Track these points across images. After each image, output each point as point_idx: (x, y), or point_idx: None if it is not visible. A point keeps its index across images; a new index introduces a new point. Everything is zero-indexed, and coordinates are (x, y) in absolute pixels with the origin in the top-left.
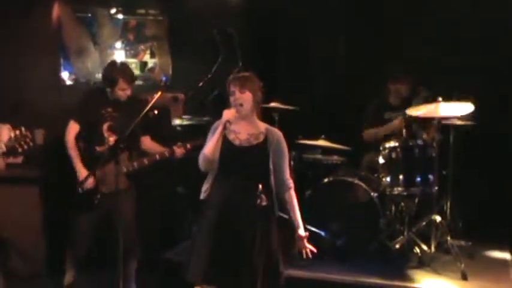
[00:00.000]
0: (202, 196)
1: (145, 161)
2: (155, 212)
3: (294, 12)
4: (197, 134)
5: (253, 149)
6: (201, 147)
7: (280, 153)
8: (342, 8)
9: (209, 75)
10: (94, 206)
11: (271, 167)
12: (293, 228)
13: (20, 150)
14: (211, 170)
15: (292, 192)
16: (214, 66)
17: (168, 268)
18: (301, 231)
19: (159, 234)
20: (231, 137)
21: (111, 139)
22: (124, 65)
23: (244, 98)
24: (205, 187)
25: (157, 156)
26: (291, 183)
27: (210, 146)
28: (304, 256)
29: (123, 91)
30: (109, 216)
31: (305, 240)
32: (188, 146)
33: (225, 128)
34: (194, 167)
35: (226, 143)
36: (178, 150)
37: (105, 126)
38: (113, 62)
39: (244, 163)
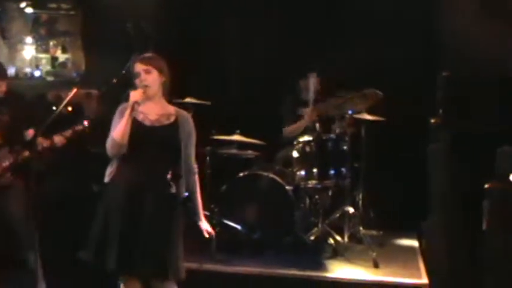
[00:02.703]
0: (106, 179)
1: (27, 153)
2: (69, 212)
3: (212, 7)
4: None
5: (165, 128)
6: (82, 132)
7: (190, 137)
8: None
9: (123, 71)
10: None
11: (182, 149)
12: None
13: None
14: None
15: (196, 178)
16: (129, 62)
17: (84, 267)
18: (201, 223)
19: (75, 234)
20: (140, 117)
21: None
22: None
23: (150, 79)
24: (109, 170)
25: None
26: (196, 168)
27: (119, 130)
28: (206, 235)
29: None
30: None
31: (204, 228)
32: (67, 134)
33: (133, 109)
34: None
35: (135, 124)
36: (57, 139)
37: None
38: None
39: (156, 142)
